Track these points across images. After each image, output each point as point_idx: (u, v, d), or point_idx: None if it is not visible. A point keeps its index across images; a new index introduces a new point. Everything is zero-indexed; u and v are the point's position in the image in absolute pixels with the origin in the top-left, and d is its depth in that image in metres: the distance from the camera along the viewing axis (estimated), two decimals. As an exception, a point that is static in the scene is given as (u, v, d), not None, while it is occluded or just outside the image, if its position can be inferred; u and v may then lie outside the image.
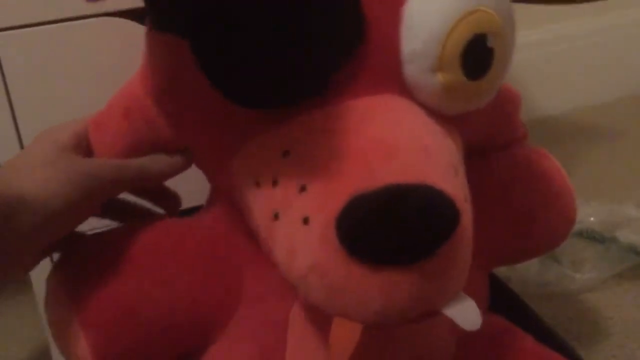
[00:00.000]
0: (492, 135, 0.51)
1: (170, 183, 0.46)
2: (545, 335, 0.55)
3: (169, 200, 0.49)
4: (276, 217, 0.36)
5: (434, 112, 0.39)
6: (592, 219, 0.79)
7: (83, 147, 0.43)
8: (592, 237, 0.77)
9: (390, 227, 0.32)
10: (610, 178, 0.96)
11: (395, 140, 0.35)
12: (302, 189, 0.35)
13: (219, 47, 0.34)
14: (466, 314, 0.35)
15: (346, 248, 0.32)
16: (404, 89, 0.38)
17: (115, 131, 0.44)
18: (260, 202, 0.37)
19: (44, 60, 0.59)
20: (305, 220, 0.34)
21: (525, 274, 0.72)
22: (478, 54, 0.37)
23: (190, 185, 0.46)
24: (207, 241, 0.46)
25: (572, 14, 1.13)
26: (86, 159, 0.42)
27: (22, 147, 0.62)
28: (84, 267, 0.43)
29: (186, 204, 0.50)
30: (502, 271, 0.71)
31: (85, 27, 0.58)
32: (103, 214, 0.46)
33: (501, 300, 0.56)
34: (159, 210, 0.50)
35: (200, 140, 0.41)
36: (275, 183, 0.36)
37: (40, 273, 0.46)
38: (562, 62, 1.13)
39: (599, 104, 1.16)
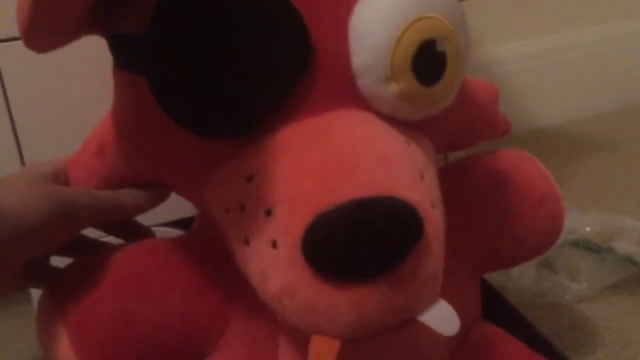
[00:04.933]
0: (471, 132, 0.52)
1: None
2: (541, 345, 0.55)
3: (139, 234, 0.49)
4: (247, 242, 0.36)
5: (394, 120, 0.39)
6: (588, 229, 0.79)
7: (61, 181, 0.45)
8: (588, 247, 0.77)
9: (354, 243, 0.32)
10: (606, 188, 0.96)
11: (354, 154, 0.35)
12: (268, 212, 0.35)
13: (171, 82, 0.35)
14: (442, 319, 0.35)
15: (313, 268, 0.33)
16: (360, 101, 0.38)
17: (90, 168, 0.45)
18: (232, 228, 0.38)
19: (44, 72, 0.60)
20: (274, 244, 0.35)
21: (521, 284, 0.72)
22: (429, 60, 0.37)
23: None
24: (197, 256, 0.46)
25: (569, 25, 1.14)
26: (63, 186, 0.43)
27: (21, 156, 0.62)
28: (74, 289, 0.43)
29: (183, 214, 0.50)
30: (497, 280, 0.72)
31: (85, 38, 0.58)
32: (75, 252, 0.46)
33: (496, 310, 0.56)
34: None
35: (172, 173, 0.42)
36: (243, 209, 0.37)
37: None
38: (558, 74, 1.13)
39: (595, 115, 1.17)
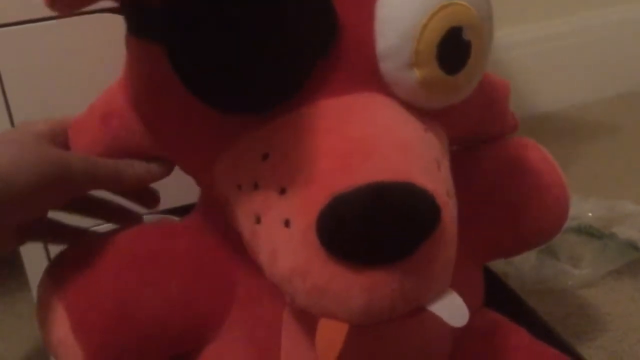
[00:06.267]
0: (482, 127, 0.51)
1: (165, 180, 0.46)
2: (543, 331, 0.55)
3: (147, 197, 0.49)
4: (258, 220, 0.36)
5: (413, 107, 0.38)
6: (590, 214, 0.79)
7: (60, 142, 0.43)
8: (590, 232, 0.77)
9: (370, 227, 0.32)
10: (608, 174, 0.96)
11: (374, 139, 0.35)
12: (282, 191, 0.35)
13: (192, 53, 0.34)
14: (452, 309, 0.35)
15: (327, 249, 0.32)
16: (382, 86, 0.37)
17: (93, 135, 0.44)
18: (243, 205, 0.37)
19: (40, 57, 0.59)
20: (286, 223, 0.34)
21: (522, 270, 0.72)
22: (454, 48, 0.37)
23: (184, 182, 0.46)
24: (199, 242, 0.45)
25: (571, 11, 1.13)
26: (59, 149, 0.41)
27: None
28: (75, 272, 0.43)
29: (180, 201, 0.50)
30: (499, 267, 0.71)
31: (82, 24, 0.58)
32: (78, 210, 0.46)
33: (498, 296, 0.56)
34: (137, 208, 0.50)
35: (181, 147, 0.41)
36: (256, 186, 0.36)
37: (38, 272, 0.45)
38: (560, 59, 1.13)
39: (597, 100, 1.16)
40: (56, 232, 0.46)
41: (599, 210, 0.79)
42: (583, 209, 0.79)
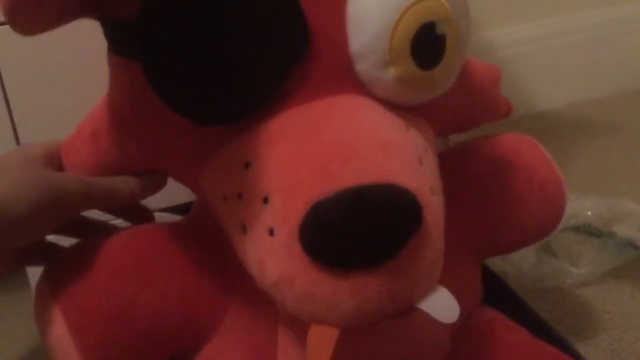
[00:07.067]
0: (473, 113, 0.51)
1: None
2: (542, 330, 0.55)
3: (141, 216, 0.49)
4: (244, 230, 0.36)
5: (393, 105, 0.38)
6: (589, 213, 0.79)
7: (55, 164, 0.44)
8: (589, 231, 0.77)
9: (351, 232, 0.32)
10: (607, 172, 0.96)
11: (353, 141, 0.35)
12: (265, 200, 0.35)
13: (165, 67, 0.34)
14: (442, 306, 0.35)
15: (310, 256, 0.33)
16: (359, 86, 0.38)
17: (85, 153, 0.44)
18: (229, 216, 0.37)
19: (40, 56, 0.59)
20: (271, 232, 0.34)
21: (521, 268, 0.72)
22: (428, 44, 0.37)
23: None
24: (196, 243, 0.46)
25: (569, 9, 1.13)
26: (55, 172, 0.42)
27: (18, 141, 0.62)
28: (72, 273, 0.43)
29: (179, 199, 0.50)
30: (498, 265, 0.71)
31: (83, 22, 0.58)
32: (71, 231, 0.46)
33: (497, 295, 0.56)
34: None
35: (168, 160, 0.42)
36: (239, 196, 0.36)
37: (38, 270, 0.46)
38: (558, 57, 1.13)
39: (596, 99, 1.16)
40: (53, 255, 0.46)
41: (598, 208, 0.79)
42: (582, 207, 0.79)
